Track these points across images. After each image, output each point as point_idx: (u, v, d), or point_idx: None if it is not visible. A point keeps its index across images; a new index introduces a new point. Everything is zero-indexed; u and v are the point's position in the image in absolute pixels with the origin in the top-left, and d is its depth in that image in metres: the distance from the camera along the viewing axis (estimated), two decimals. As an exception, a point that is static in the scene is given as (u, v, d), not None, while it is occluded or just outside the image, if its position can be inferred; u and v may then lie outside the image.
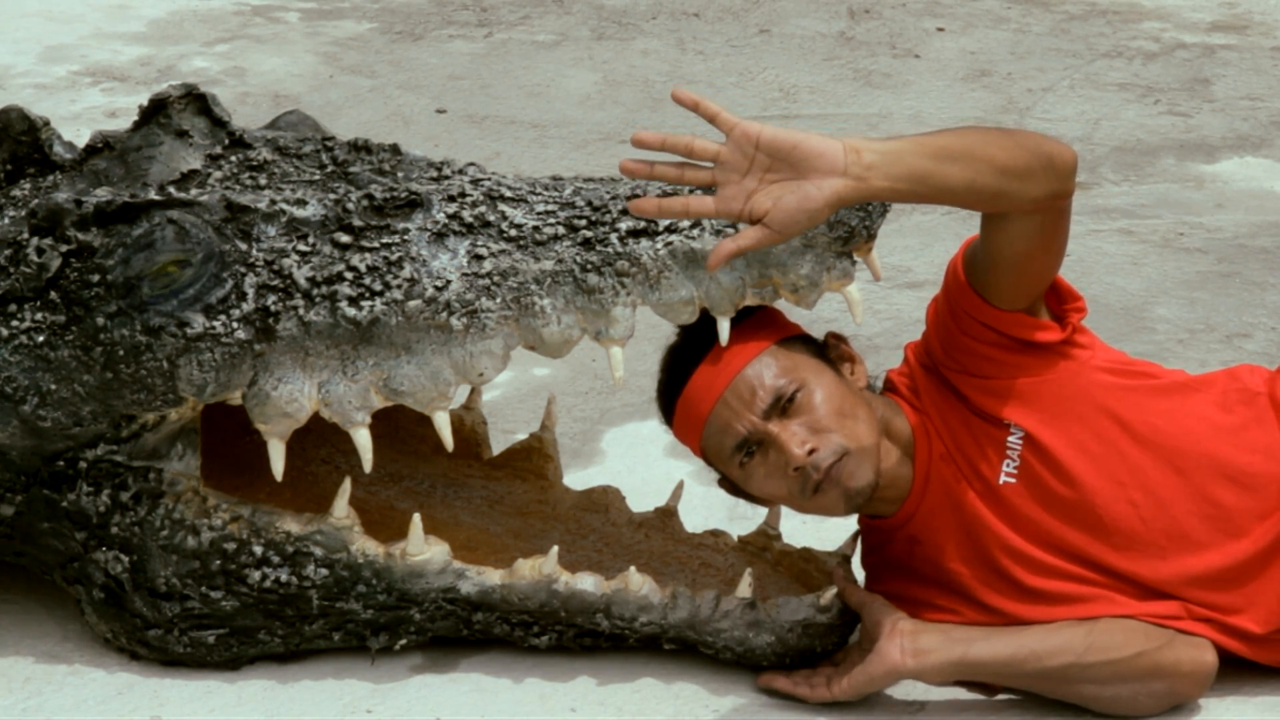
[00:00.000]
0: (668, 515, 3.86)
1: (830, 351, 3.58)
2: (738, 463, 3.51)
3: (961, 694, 3.63)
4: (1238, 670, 3.59)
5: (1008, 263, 3.42)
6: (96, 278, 3.52)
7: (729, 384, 3.48)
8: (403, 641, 3.68)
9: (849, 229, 3.45)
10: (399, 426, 3.97)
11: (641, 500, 3.97)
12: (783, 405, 3.46)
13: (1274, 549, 3.52)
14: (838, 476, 3.45)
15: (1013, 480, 3.53)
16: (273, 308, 3.50)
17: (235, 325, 3.50)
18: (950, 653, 3.48)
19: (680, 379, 3.54)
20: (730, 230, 3.45)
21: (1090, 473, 3.51)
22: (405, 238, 3.53)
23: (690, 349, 3.54)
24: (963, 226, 5.84)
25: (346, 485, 3.62)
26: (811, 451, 3.45)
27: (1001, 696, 3.61)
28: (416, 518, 3.60)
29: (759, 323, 3.53)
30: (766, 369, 3.48)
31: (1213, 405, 3.58)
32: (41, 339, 3.54)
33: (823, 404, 3.47)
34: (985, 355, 3.52)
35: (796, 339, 3.55)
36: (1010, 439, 3.52)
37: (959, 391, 3.55)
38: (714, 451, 3.54)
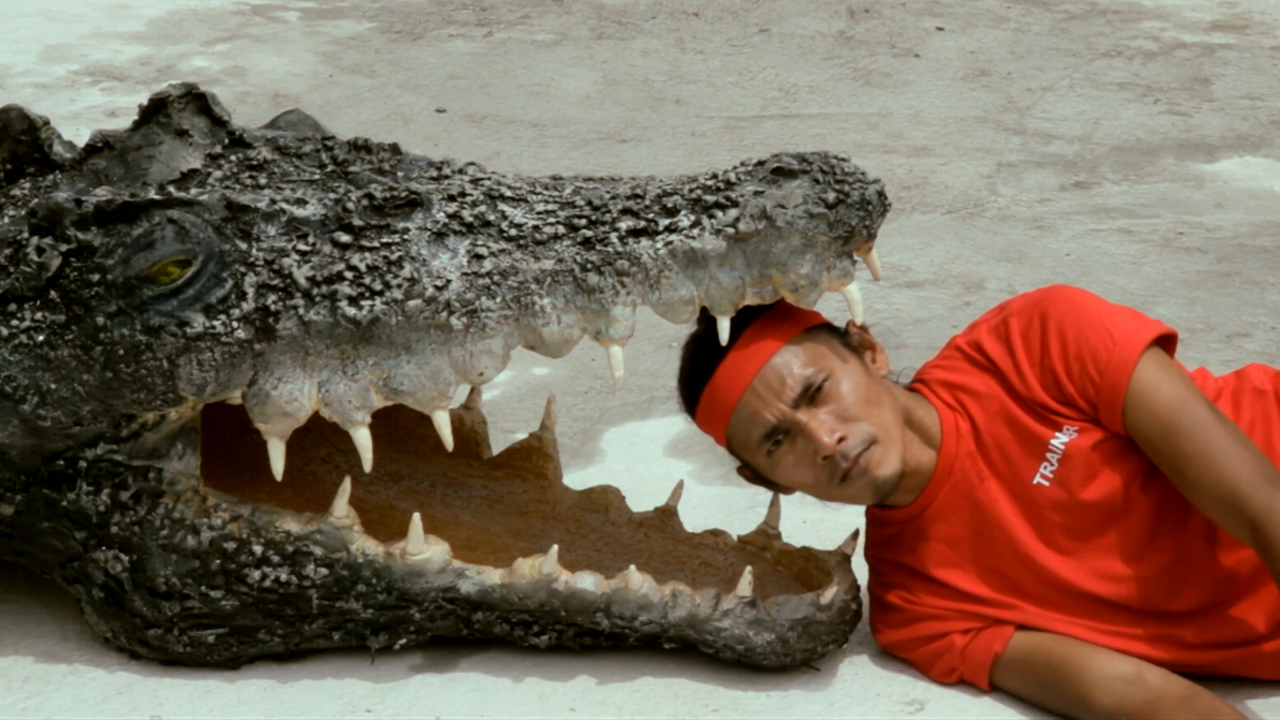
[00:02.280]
0: (668, 515, 3.86)
1: (853, 340, 3.59)
2: (765, 451, 3.52)
3: (962, 694, 3.63)
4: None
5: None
6: (96, 277, 3.52)
7: (758, 373, 3.48)
8: (402, 641, 3.68)
9: (849, 229, 3.45)
10: (399, 426, 3.97)
11: (641, 500, 3.97)
12: (811, 394, 3.47)
13: None
14: (866, 465, 3.46)
15: (1045, 484, 3.52)
16: (273, 307, 3.50)
17: (235, 325, 3.50)
18: None
19: (705, 368, 3.54)
20: (731, 230, 3.45)
21: (1118, 481, 3.51)
22: (405, 237, 3.53)
23: (712, 340, 3.54)
24: (962, 226, 5.85)
25: (346, 485, 3.62)
26: (841, 440, 3.46)
27: (1000, 698, 3.61)
28: (416, 517, 3.60)
29: (784, 313, 3.53)
30: (795, 358, 3.49)
31: (1225, 407, 3.58)
32: (41, 338, 3.54)
33: (850, 392, 3.48)
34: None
35: (821, 328, 3.56)
36: (1053, 442, 3.52)
37: (1020, 382, 3.55)
38: (740, 440, 3.54)
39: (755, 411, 3.49)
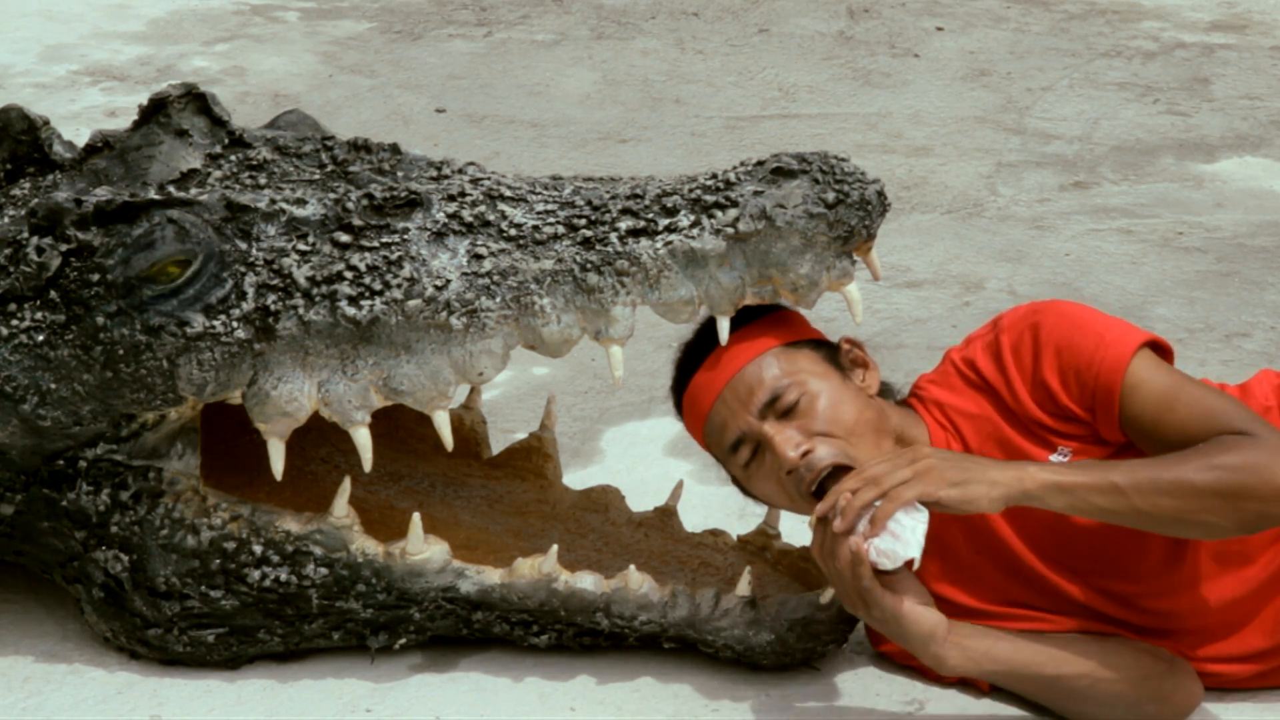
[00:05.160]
0: (667, 514, 3.86)
1: (843, 357, 3.55)
2: (736, 463, 3.51)
3: (962, 694, 3.63)
4: (1237, 669, 3.60)
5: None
6: (96, 277, 3.52)
7: (728, 382, 3.47)
8: (402, 641, 3.68)
9: (849, 229, 3.45)
10: (399, 426, 3.98)
11: (641, 500, 3.97)
12: (782, 408, 3.45)
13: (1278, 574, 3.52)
14: (831, 486, 3.42)
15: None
16: (272, 307, 3.50)
17: (235, 325, 3.50)
18: (977, 646, 3.44)
19: (688, 374, 3.54)
20: (730, 230, 3.45)
21: None
22: (405, 237, 3.53)
23: (702, 345, 3.53)
24: (962, 226, 5.85)
25: (346, 484, 3.62)
26: (805, 454, 3.43)
27: (999, 697, 3.61)
28: (416, 517, 3.60)
29: (770, 324, 3.52)
30: (767, 369, 3.47)
31: None
32: (41, 338, 3.54)
33: (824, 409, 3.44)
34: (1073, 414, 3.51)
35: (806, 343, 3.53)
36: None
37: (1012, 399, 3.52)
38: (715, 449, 3.55)
39: (723, 420, 3.48)
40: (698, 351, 3.55)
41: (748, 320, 3.52)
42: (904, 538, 3.29)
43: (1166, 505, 3.26)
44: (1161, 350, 3.49)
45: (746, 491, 3.61)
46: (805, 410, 3.45)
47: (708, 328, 3.53)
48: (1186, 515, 3.27)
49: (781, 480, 3.46)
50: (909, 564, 3.31)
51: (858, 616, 3.42)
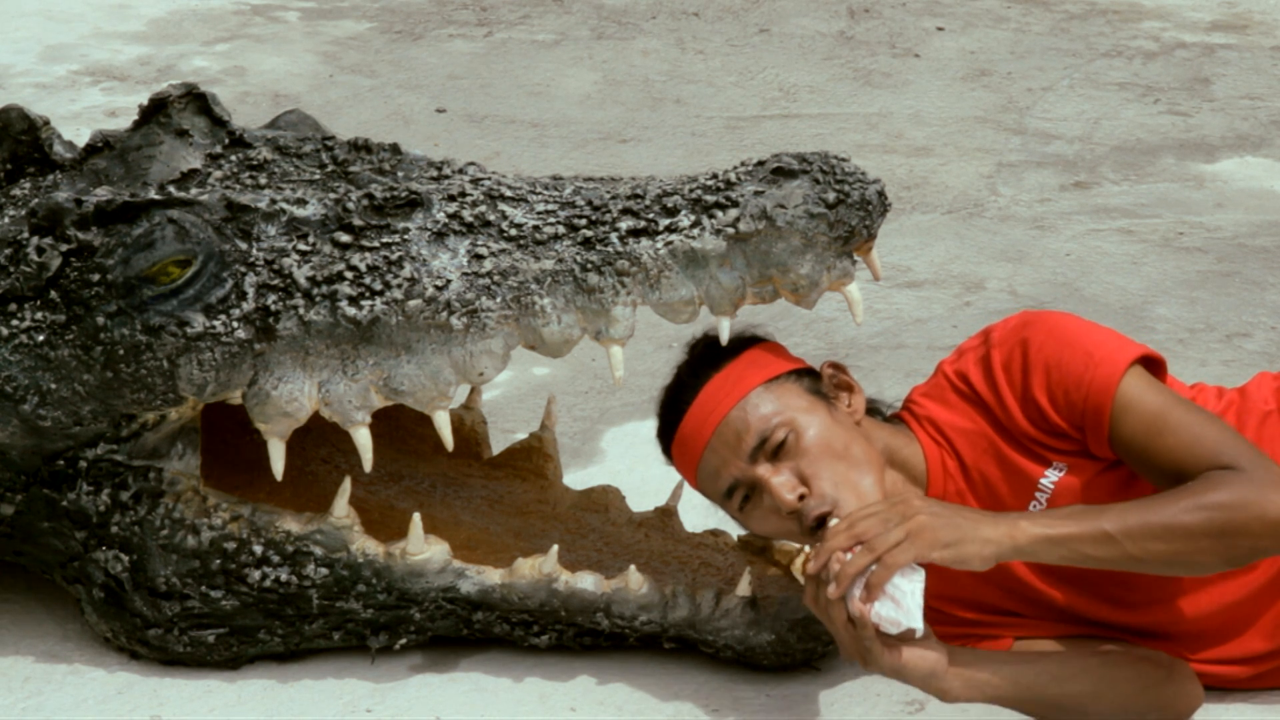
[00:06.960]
0: (668, 515, 3.86)
1: (826, 384, 3.53)
2: (733, 506, 3.48)
3: (961, 693, 3.63)
4: (1238, 670, 3.60)
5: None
6: (97, 277, 3.52)
7: (715, 429, 3.44)
8: (403, 641, 3.68)
9: (849, 229, 3.44)
10: (399, 426, 3.97)
11: (641, 500, 3.97)
12: (771, 449, 3.42)
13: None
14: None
15: None
16: (273, 307, 3.50)
17: (235, 325, 3.50)
18: (978, 675, 3.41)
19: (674, 421, 3.51)
20: (731, 230, 3.44)
21: None
22: (405, 237, 3.53)
23: (683, 387, 3.51)
24: (962, 226, 5.85)
25: (346, 485, 3.62)
26: (802, 497, 3.40)
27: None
28: (416, 517, 3.60)
29: (750, 361, 3.48)
30: (752, 412, 3.43)
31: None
32: (41, 338, 3.54)
33: (813, 445, 3.41)
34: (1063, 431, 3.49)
35: (788, 375, 3.49)
36: (1043, 480, 3.47)
37: (1004, 415, 3.51)
38: (710, 494, 3.52)
39: (715, 469, 3.45)
40: (679, 396, 3.51)
41: (726, 357, 3.49)
42: (905, 605, 3.26)
43: (1159, 549, 3.27)
44: (1153, 363, 3.47)
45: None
46: (794, 448, 3.42)
47: (684, 369, 3.52)
48: (1179, 557, 3.29)
49: (783, 518, 3.44)
50: (910, 632, 3.30)
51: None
